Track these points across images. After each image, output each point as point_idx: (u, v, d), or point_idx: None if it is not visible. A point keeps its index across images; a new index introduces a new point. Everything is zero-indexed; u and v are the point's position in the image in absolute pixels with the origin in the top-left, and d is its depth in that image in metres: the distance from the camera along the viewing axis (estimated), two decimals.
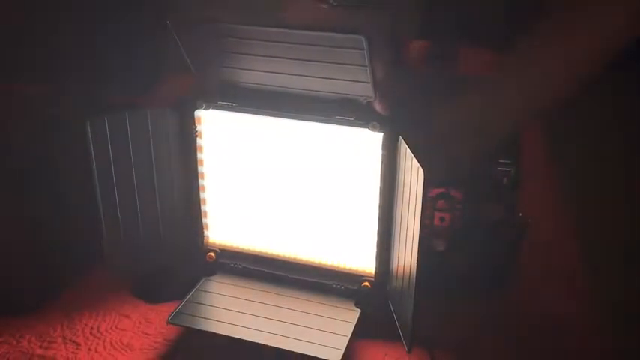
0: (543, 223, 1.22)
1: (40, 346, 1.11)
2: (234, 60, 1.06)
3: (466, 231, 1.14)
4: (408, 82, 1.12)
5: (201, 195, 1.18)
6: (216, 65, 1.07)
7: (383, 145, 1.06)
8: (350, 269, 1.15)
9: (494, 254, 1.15)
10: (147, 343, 1.12)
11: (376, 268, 1.13)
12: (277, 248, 1.18)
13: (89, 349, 1.10)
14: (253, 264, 1.19)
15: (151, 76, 1.32)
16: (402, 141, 1.02)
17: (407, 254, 1.00)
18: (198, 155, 1.15)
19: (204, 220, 1.20)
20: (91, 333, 1.14)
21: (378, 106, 1.06)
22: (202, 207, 1.19)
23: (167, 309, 1.13)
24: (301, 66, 1.02)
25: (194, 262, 1.20)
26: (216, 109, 1.12)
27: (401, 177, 1.04)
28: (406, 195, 1.01)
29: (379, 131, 1.05)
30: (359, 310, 1.11)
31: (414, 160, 0.94)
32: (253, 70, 1.06)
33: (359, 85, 1.02)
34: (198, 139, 1.14)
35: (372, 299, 1.13)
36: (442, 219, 1.13)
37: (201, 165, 1.16)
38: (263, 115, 1.10)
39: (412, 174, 0.96)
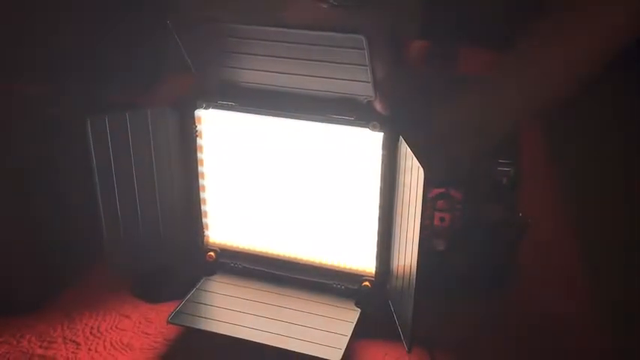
0: (543, 223, 1.22)
1: (40, 346, 1.11)
2: (234, 59, 1.06)
3: (466, 231, 1.14)
4: (408, 82, 1.12)
5: (202, 195, 1.18)
6: (217, 65, 1.07)
7: (383, 144, 1.05)
8: (350, 269, 1.15)
9: (494, 254, 1.15)
10: (147, 343, 1.12)
11: (376, 267, 1.13)
12: (277, 248, 1.18)
13: (89, 349, 1.10)
14: (253, 264, 1.19)
15: (151, 76, 1.32)
16: (403, 141, 1.02)
17: (407, 254, 1.00)
18: (199, 155, 1.15)
19: (204, 220, 1.20)
20: (91, 333, 1.14)
21: (378, 106, 1.06)
22: (202, 206, 1.19)
23: (167, 309, 1.12)
24: (301, 65, 1.02)
25: (194, 261, 1.20)
26: (217, 108, 1.12)
27: (401, 177, 1.04)
28: (406, 195, 1.01)
29: (379, 131, 1.05)
30: (359, 310, 1.11)
31: (415, 160, 0.94)
32: (253, 69, 1.06)
33: (359, 85, 1.02)
34: (198, 138, 1.14)
35: (372, 299, 1.13)
36: (442, 219, 1.13)
37: (202, 165, 1.16)
38: (263, 114, 1.10)
39: (412, 173, 0.96)
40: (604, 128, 1.37)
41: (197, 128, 1.14)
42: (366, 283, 1.13)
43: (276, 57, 1.02)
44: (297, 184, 1.13)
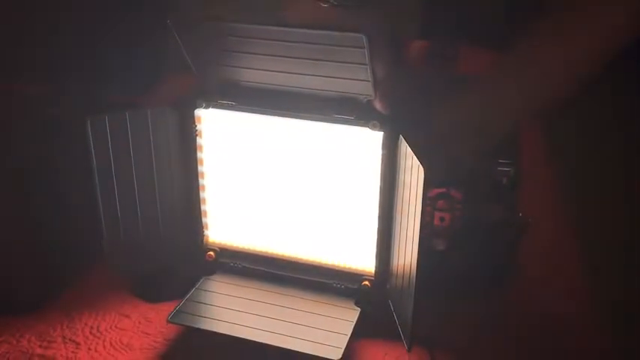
0: (543, 223, 1.22)
1: (40, 346, 1.11)
2: (234, 59, 1.06)
3: (466, 231, 1.14)
4: (408, 82, 1.12)
5: (201, 194, 1.18)
6: (217, 64, 1.07)
7: (383, 144, 1.05)
8: (350, 268, 1.15)
9: (494, 254, 1.15)
10: (147, 342, 1.12)
11: (376, 267, 1.13)
12: (277, 247, 1.18)
13: (89, 349, 1.10)
14: (253, 263, 1.19)
15: (151, 76, 1.33)
16: (403, 140, 1.02)
17: (407, 254, 1.00)
18: (199, 154, 1.15)
19: (204, 220, 1.20)
20: (90, 332, 1.14)
21: (378, 105, 1.06)
22: (202, 206, 1.19)
23: (167, 308, 1.12)
24: (301, 64, 1.02)
25: (194, 261, 1.20)
26: (216, 108, 1.12)
27: (401, 176, 1.04)
28: (406, 194, 1.01)
29: (379, 130, 1.05)
30: (359, 310, 1.11)
31: (415, 159, 0.94)
32: (253, 68, 1.06)
33: (359, 84, 1.02)
34: (198, 138, 1.14)
35: (372, 298, 1.12)
36: (442, 219, 1.13)
37: (201, 164, 1.16)
38: (263, 114, 1.10)
39: (412, 173, 0.96)
40: (604, 128, 1.36)
41: (197, 128, 1.14)
42: (366, 282, 1.13)
43: (276, 56, 1.02)
44: (296, 184, 1.13)
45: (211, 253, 1.19)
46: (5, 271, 1.16)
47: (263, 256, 1.19)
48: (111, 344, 1.11)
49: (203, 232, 1.20)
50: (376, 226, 1.10)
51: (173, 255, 1.19)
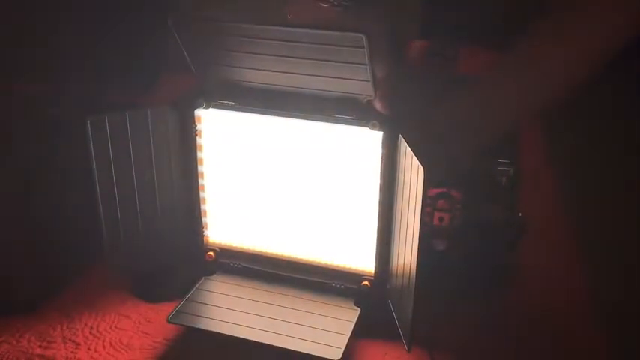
0: (543, 223, 1.22)
1: (40, 346, 1.11)
2: (234, 59, 1.06)
3: (466, 231, 1.14)
4: (408, 82, 1.12)
5: (201, 194, 1.18)
6: (216, 64, 1.07)
7: (383, 144, 1.05)
8: (350, 268, 1.15)
9: (493, 254, 1.15)
10: (146, 342, 1.12)
11: (376, 267, 1.13)
12: (277, 247, 1.18)
13: (89, 349, 1.10)
14: (253, 263, 1.18)
15: (151, 76, 1.33)
16: (402, 139, 1.02)
17: (407, 253, 1.00)
18: (198, 154, 1.15)
19: (203, 220, 1.19)
20: (90, 332, 1.13)
21: (378, 105, 1.06)
22: (202, 206, 1.19)
23: (167, 308, 1.12)
24: (301, 64, 1.02)
25: (194, 261, 1.20)
26: (216, 108, 1.12)
27: (401, 176, 1.04)
28: (406, 194, 1.01)
29: (379, 130, 1.05)
30: (359, 309, 1.11)
31: (414, 159, 0.94)
32: (253, 68, 1.06)
33: (359, 84, 1.02)
34: (198, 138, 1.14)
35: (371, 298, 1.12)
36: (441, 219, 1.13)
37: (201, 164, 1.16)
38: (263, 113, 1.10)
39: (412, 172, 0.96)
40: (604, 128, 1.37)
41: (197, 127, 1.14)
42: (366, 282, 1.13)
43: (276, 56, 1.02)
44: (296, 184, 1.13)
45: (211, 253, 1.19)
46: (5, 271, 1.16)
47: (263, 256, 1.19)
48: (111, 344, 1.11)
49: (203, 232, 1.20)
50: (376, 226, 1.10)
51: (173, 255, 1.19)
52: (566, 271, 1.25)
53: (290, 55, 1.01)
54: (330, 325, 1.07)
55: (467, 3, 1.21)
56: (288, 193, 1.14)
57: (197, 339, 1.10)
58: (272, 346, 1.02)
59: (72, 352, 1.10)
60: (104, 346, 1.11)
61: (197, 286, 1.16)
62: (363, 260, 1.14)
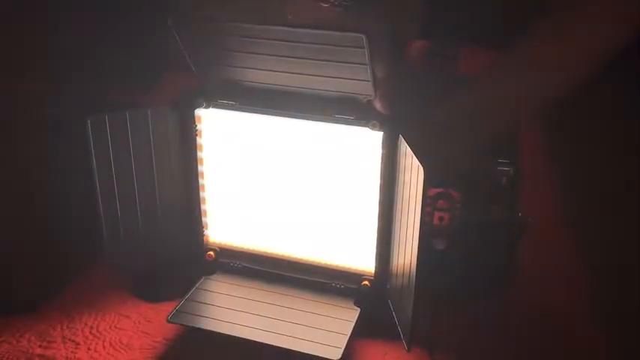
0: (543, 223, 1.22)
1: (40, 346, 1.11)
2: (234, 58, 1.06)
3: (465, 231, 1.14)
4: (408, 82, 1.12)
5: (201, 194, 1.18)
6: (217, 64, 1.07)
7: (383, 144, 1.05)
8: (350, 268, 1.15)
9: (493, 254, 1.15)
10: (146, 342, 1.12)
11: (376, 267, 1.13)
12: (277, 247, 1.18)
13: (88, 349, 1.10)
14: (253, 263, 1.19)
15: (152, 76, 1.33)
16: (402, 139, 1.02)
17: (407, 253, 1.00)
18: (198, 154, 1.15)
19: (203, 219, 1.20)
20: (90, 332, 1.14)
21: (378, 105, 1.06)
22: (202, 206, 1.19)
23: (167, 308, 1.12)
24: (301, 64, 1.02)
25: (194, 261, 1.20)
26: (217, 107, 1.12)
27: (401, 176, 1.04)
28: (406, 194, 1.01)
29: (379, 130, 1.05)
30: (358, 309, 1.11)
31: (414, 159, 0.94)
32: (253, 68, 1.06)
33: (359, 84, 1.02)
34: (198, 137, 1.14)
35: (371, 298, 1.12)
36: (441, 218, 1.13)
37: (201, 164, 1.16)
38: (263, 113, 1.10)
39: (412, 173, 0.96)
40: (604, 128, 1.37)
41: (197, 127, 1.14)
42: (366, 282, 1.13)
43: (276, 56, 1.02)
44: (296, 184, 1.13)
45: (211, 252, 1.19)
46: (5, 271, 1.16)
47: (263, 256, 1.19)
48: (110, 344, 1.11)
49: (203, 231, 1.20)
50: (376, 226, 1.10)
51: (173, 255, 1.19)
52: (566, 271, 1.25)
53: (290, 55, 1.01)
54: (330, 325, 1.07)
55: (467, 3, 1.21)
56: (288, 193, 1.14)
57: (197, 339, 1.10)
58: (272, 345, 1.02)
59: (72, 352, 1.10)
60: (104, 346, 1.11)
61: (197, 285, 1.16)
62: (363, 260, 1.14)
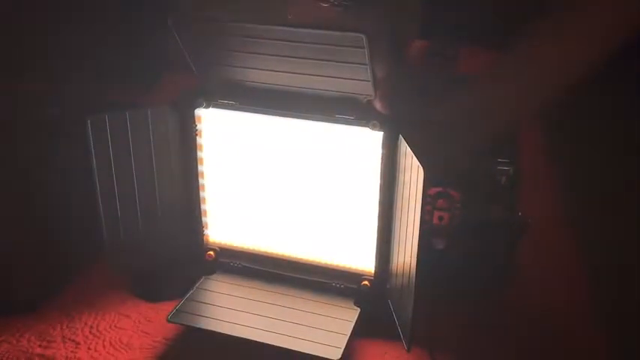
0: (543, 222, 1.22)
1: (40, 345, 1.11)
2: (234, 58, 1.06)
3: (465, 230, 1.14)
4: (408, 82, 1.12)
5: (201, 194, 1.18)
6: (217, 64, 1.08)
7: (383, 144, 1.05)
8: (350, 268, 1.15)
9: (493, 254, 1.15)
10: (146, 342, 1.12)
11: (376, 267, 1.13)
12: (277, 247, 1.18)
13: (88, 348, 1.10)
14: (253, 263, 1.19)
15: (152, 76, 1.33)
16: (402, 140, 1.02)
17: (406, 253, 1.00)
18: (199, 154, 1.15)
19: (203, 219, 1.19)
20: (90, 332, 1.14)
21: (378, 105, 1.06)
22: (202, 206, 1.19)
23: (167, 308, 1.12)
24: (301, 64, 1.02)
25: (194, 260, 1.20)
26: (217, 107, 1.12)
27: (401, 176, 1.04)
28: (406, 194, 1.01)
29: (379, 130, 1.05)
30: (358, 309, 1.11)
31: (414, 159, 0.94)
32: (253, 68, 1.06)
33: (359, 84, 1.02)
34: (198, 137, 1.14)
35: (371, 298, 1.12)
36: (441, 218, 1.13)
37: (201, 164, 1.16)
38: (263, 113, 1.10)
39: (412, 173, 0.96)
40: (604, 128, 1.37)
41: (197, 127, 1.14)
42: (366, 282, 1.13)
43: (276, 56, 1.02)
44: (296, 183, 1.13)
45: (211, 252, 1.19)
46: (5, 270, 1.16)
47: (263, 256, 1.19)
48: (110, 344, 1.11)
49: (203, 231, 1.20)
50: (376, 225, 1.10)
51: (173, 254, 1.19)
52: (566, 271, 1.25)
53: (290, 55, 1.01)
54: (330, 325, 1.07)
55: (467, 3, 1.21)
56: (289, 193, 1.14)
57: (197, 338, 1.10)
58: (272, 345, 1.02)
59: (72, 351, 1.10)
60: (104, 346, 1.11)
61: (197, 285, 1.16)
62: (362, 260, 1.14)
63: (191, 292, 1.14)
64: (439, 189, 1.12)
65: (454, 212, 1.13)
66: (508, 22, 1.17)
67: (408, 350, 1.02)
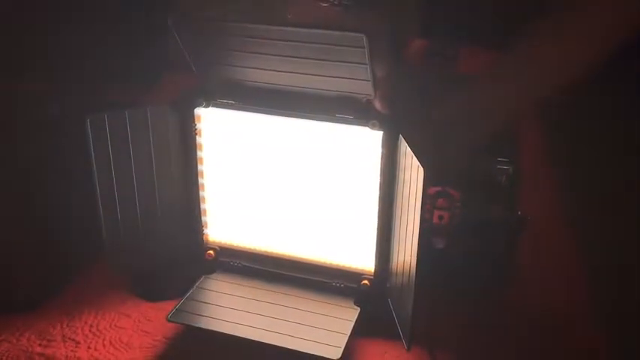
0: (542, 222, 1.22)
1: (40, 345, 1.11)
2: (234, 58, 1.06)
3: (465, 229, 1.14)
4: (407, 81, 1.12)
5: (201, 193, 1.18)
6: (217, 63, 1.08)
7: (383, 143, 1.05)
8: (349, 268, 1.15)
9: (493, 253, 1.15)
10: (146, 341, 1.12)
11: (375, 266, 1.13)
12: (277, 246, 1.18)
13: (88, 348, 1.10)
14: (253, 262, 1.19)
15: (152, 76, 1.33)
16: (402, 139, 1.02)
17: (406, 253, 1.00)
18: (198, 153, 1.15)
19: (203, 219, 1.19)
20: (90, 331, 1.14)
21: (378, 105, 1.06)
22: (202, 205, 1.19)
23: (167, 307, 1.12)
24: (301, 64, 1.02)
25: (194, 260, 1.20)
26: (216, 107, 1.12)
27: (400, 175, 1.04)
28: (406, 193, 1.01)
29: (379, 129, 1.05)
30: (358, 309, 1.11)
31: (414, 159, 0.94)
32: (253, 68, 1.06)
33: (359, 83, 1.02)
34: (197, 137, 1.14)
35: (371, 298, 1.12)
36: (441, 217, 1.13)
37: (201, 163, 1.16)
38: (263, 113, 1.10)
39: (412, 172, 0.96)
40: (604, 128, 1.37)
41: (197, 126, 1.14)
42: (366, 281, 1.13)
43: (276, 55, 1.02)
44: (296, 183, 1.13)
45: (211, 251, 1.19)
46: (5, 270, 1.16)
47: (263, 255, 1.19)
48: (110, 343, 1.11)
49: (203, 230, 1.20)
50: (376, 225, 1.10)
51: (173, 254, 1.19)
52: (566, 271, 1.25)
53: (290, 54, 1.01)
54: (330, 325, 1.07)
55: (467, 3, 1.22)
56: (288, 192, 1.14)
57: (197, 338, 1.10)
58: (271, 345, 1.02)
59: (72, 350, 1.10)
60: (104, 345, 1.11)
61: (197, 285, 1.16)
62: (362, 259, 1.14)
63: (191, 291, 1.14)
64: (439, 188, 1.12)
65: (454, 211, 1.13)
66: (508, 22, 1.17)
67: (408, 349, 1.02)
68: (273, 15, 1.06)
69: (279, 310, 1.10)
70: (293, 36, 0.99)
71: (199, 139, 1.15)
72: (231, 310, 1.10)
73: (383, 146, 1.06)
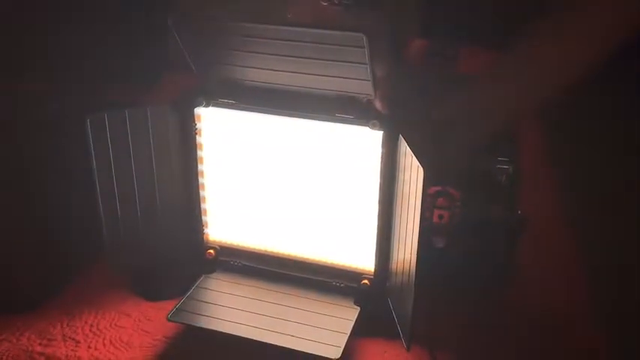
0: (542, 221, 1.22)
1: (40, 344, 1.11)
2: (234, 58, 1.06)
3: (465, 229, 1.14)
4: (407, 81, 1.12)
5: (201, 193, 1.18)
6: (217, 63, 1.08)
7: (383, 143, 1.05)
8: (349, 267, 1.15)
9: (493, 252, 1.15)
10: (146, 340, 1.12)
11: (375, 266, 1.13)
12: (277, 246, 1.18)
13: (89, 347, 1.10)
14: (253, 261, 1.18)
15: (152, 76, 1.33)
16: (402, 139, 1.02)
17: (406, 252, 1.00)
18: (198, 153, 1.15)
19: (203, 218, 1.19)
20: (90, 330, 1.14)
21: (378, 105, 1.06)
22: (202, 205, 1.19)
23: (167, 307, 1.12)
24: (301, 63, 1.02)
25: (194, 259, 1.20)
26: (216, 106, 1.12)
27: (400, 175, 1.04)
28: (406, 193, 1.01)
29: (379, 129, 1.05)
30: (358, 308, 1.11)
31: (414, 159, 0.94)
32: (253, 67, 1.06)
33: (359, 83, 1.02)
34: (197, 136, 1.14)
35: (371, 297, 1.12)
36: (441, 216, 1.13)
37: (201, 163, 1.16)
38: (263, 112, 1.10)
39: (412, 172, 0.96)
40: (604, 128, 1.37)
41: (197, 126, 1.14)
42: (366, 281, 1.13)
43: (277, 55, 1.02)
44: (296, 182, 1.13)
45: (211, 251, 1.19)
46: (5, 269, 1.16)
47: (263, 255, 1.19)
48: (111, 342, 1.11)
49: (203, 230, 1.20)
50: (376, 224, 1.10)
51: (173, 253, 1.19)
52: (566, 271, 1.25)
53: (289, 54, 1.01)
54: (330, 324, 1.07)
55: (467, 3, 1.22)
56: (288, 192, 1.14)
57: (197, 337, 1.10)
58: (271, 344, 1.02)
59: (72, 350, 1.10)
60: (104, 344, 1.11)
61: (197, 284, 1.16)
62: (362, 259, 1.14)
63: (191, 290, 1.14)
64: (439, 188, 1.12)
65: (454, 211, 1.13)
66: (508, 22, 1.17)
67: (408, 349, 1.02)
68: (273, 15, 1.06)
69: (279, 309, 1.10)
70: (293, 35, 0.99)
71: (199, 139, 1.15)
72: (231, 309, 1.10)
73: (383, 146, 1.06)
